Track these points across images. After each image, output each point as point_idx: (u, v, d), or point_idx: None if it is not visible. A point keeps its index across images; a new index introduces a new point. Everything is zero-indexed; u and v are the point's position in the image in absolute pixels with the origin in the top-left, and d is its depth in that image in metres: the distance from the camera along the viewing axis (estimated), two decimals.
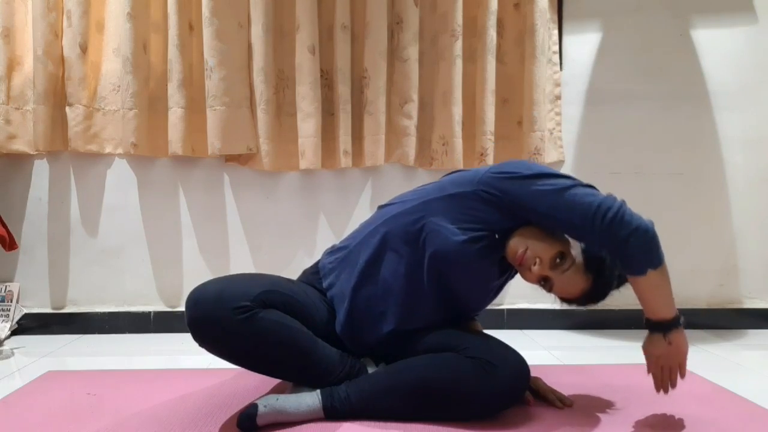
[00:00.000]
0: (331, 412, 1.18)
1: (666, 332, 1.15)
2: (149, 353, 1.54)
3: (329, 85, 2.08)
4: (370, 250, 1.29)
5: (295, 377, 1.27)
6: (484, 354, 1.17)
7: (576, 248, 1.23)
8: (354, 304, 1.28)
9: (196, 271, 2.10)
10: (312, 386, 1.22)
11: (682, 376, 1.20)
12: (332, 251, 1.41)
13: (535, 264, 1.20)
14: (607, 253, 1.19)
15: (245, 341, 1.14)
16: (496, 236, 1.23)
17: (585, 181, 1.20)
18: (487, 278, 1.30)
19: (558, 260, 1.20)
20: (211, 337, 1.15)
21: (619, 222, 1.11)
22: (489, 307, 1.43)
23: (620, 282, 1.22)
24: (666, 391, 1.21)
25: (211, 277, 1.22)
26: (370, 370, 1.28)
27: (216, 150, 1.99)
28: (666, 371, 1.19)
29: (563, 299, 1.26)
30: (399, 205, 1.32)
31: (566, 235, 1.24)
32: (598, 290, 1.22)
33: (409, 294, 1.26)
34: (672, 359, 1.18)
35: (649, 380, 1.21)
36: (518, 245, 1.21)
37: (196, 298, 1.14)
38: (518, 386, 1.20)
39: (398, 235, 1.27)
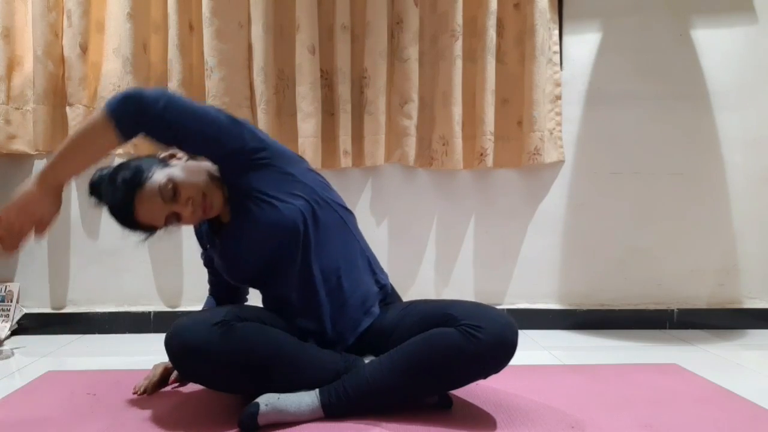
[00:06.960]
0: (331, 409, 1.18)
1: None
2: (149, 353, 1.54)
3: (329, 85, 2.08)
4: None
5: (290, 382, 1.21)
6: (470, 318, 1.16)
7: None
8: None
9: (196, 271, 2.09)
10: (311, 388, 1.21)
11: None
12: None
13: None
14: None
15: (233, 354, 1.14)
16: None
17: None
18: None
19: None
20: (200, 361, 1.14)
21: None
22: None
23: None
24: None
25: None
26: (367, 361, 1.27)
27: None
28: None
29: None
30: None
31: None
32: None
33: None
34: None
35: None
36: None
37: (173, 331, 1.16)
38: (507, 339, 1.16)
39: None
